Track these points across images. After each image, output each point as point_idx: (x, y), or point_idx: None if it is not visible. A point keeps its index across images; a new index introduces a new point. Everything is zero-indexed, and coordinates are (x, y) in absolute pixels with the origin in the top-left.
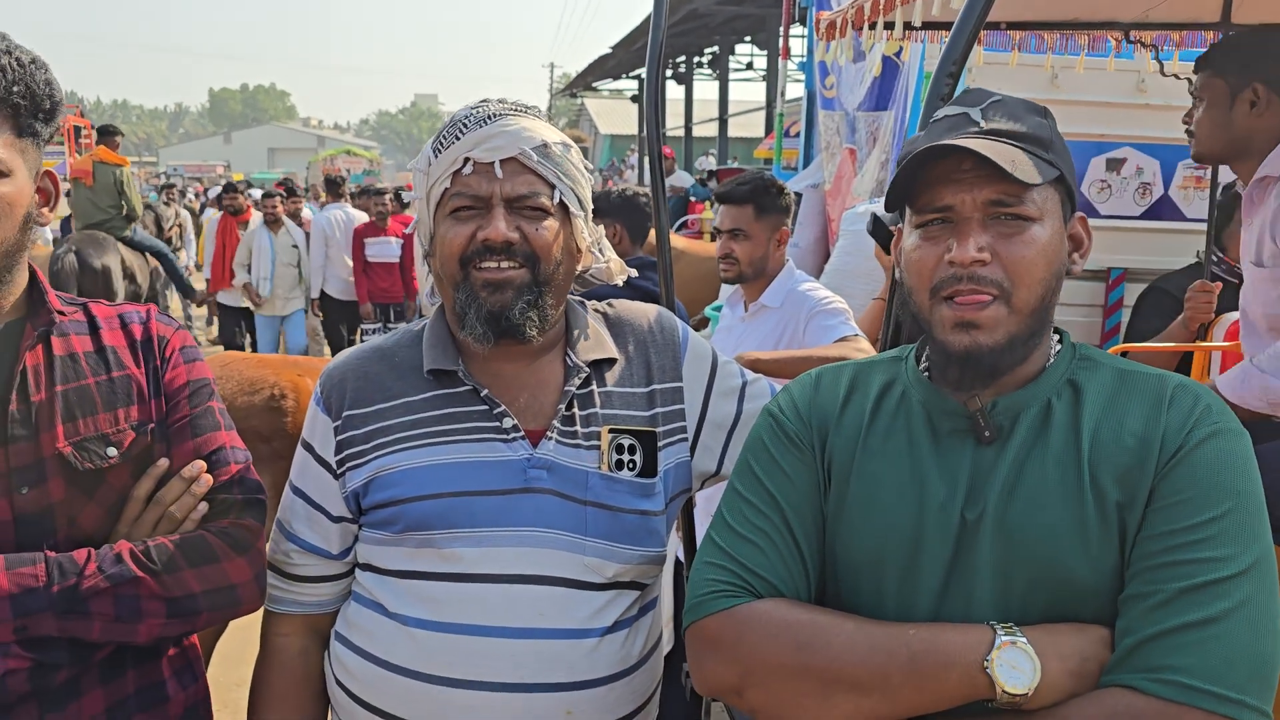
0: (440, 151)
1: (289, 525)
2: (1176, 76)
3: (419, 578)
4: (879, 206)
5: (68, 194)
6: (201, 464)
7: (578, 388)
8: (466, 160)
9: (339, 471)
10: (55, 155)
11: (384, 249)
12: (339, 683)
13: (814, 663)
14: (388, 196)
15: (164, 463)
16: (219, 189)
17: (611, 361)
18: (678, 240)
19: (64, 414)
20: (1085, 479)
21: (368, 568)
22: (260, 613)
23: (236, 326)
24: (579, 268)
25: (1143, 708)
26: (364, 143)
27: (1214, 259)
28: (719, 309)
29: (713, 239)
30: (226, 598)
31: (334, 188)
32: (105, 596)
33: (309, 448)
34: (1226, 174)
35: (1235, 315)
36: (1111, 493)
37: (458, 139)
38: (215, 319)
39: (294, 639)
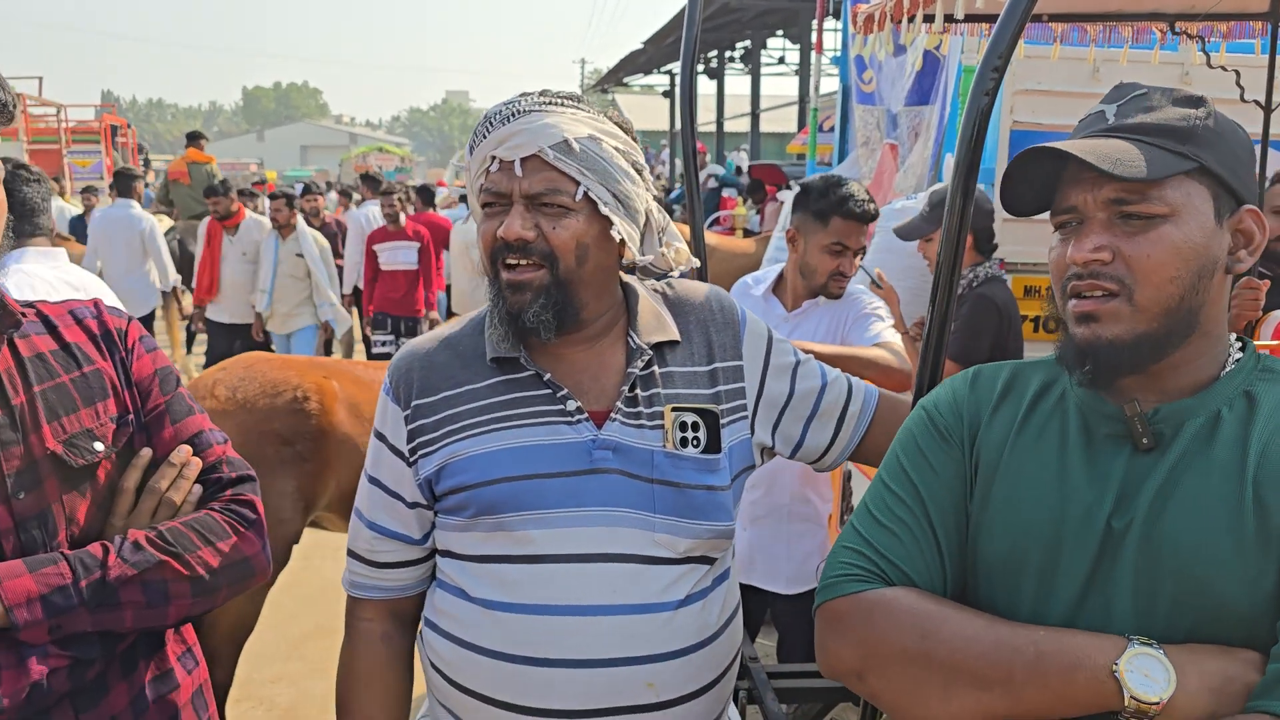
0: (474, 148)
1: (368, 514)
2: (1224, 69)
3: (495, 561)
4: (917, 203)
5: (166, 193)
6: (188, 449)
7: (640, 369)
8: (493, 158)
9: (411, 460)
10: (91, 155)
11: (396, 255)
12: (432, 665)
13: (937, 652)
14: (396, 195)
15: (147, 453)
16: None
17: (674, 343)
18: (708, 236)
19: (47, 414)
20: (1248, 495)
21: (447, 554)
22: (290, 612)
23: (231, 344)
24: (625, 260)
25: None
26: (396, 140)
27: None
28: None
29: (745, 235)
30: (243, 570)
31: (374, 184)
32: (134, 584)
33: (382, 438)
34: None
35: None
36: (1277, 513)
37: (486, 136)
38: (194, 334)
39: (377, 624)
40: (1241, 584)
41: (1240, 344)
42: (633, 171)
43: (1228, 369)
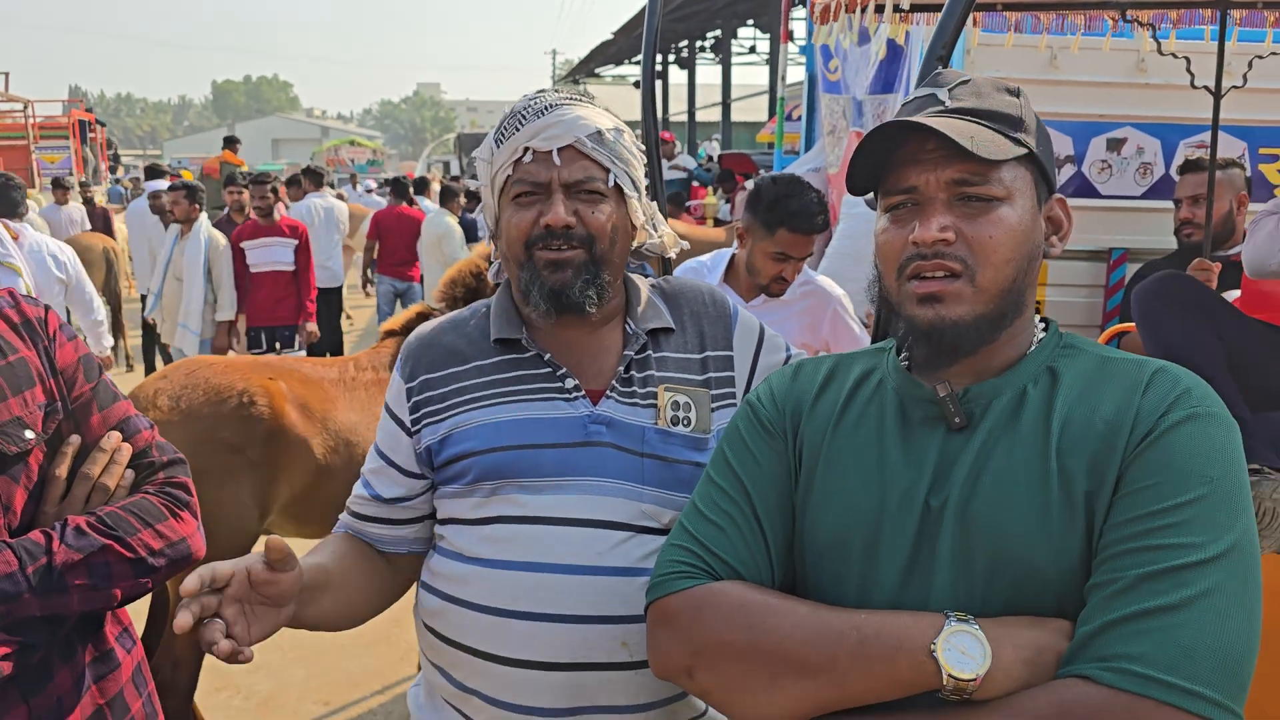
0: (502, 141)
1: (368, 478)
2: (1174, 55)
3: (491, 522)
4: None
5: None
6: (118, 434)
7: (636, 353)
8: (527, 149)
9: (413, 429)
10: (59, 150)
11: (268, 254)
12: (425, 625)
13: (763, 644)
14: (270, 186)
15: (76, 439)
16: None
17: (669, 331)
18: (679, 226)
19: None
20: (1052, 466)
21: (448, 521)
22: None
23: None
24: (634, 244)
25: (1093, 697)
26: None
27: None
28: None
29: (716, 224)
30: (181, 549)
31: (316, 178)
32: (79, 568)
33: (389, 410)
34: (1224, 152)
35: (1236, 293)
36: (1080, 481)
37: (518, 129)
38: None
39: (358, 544)
40: (1050, 552)
41: (1044, 323)
42: (644, 161)
43: (1033, 348)
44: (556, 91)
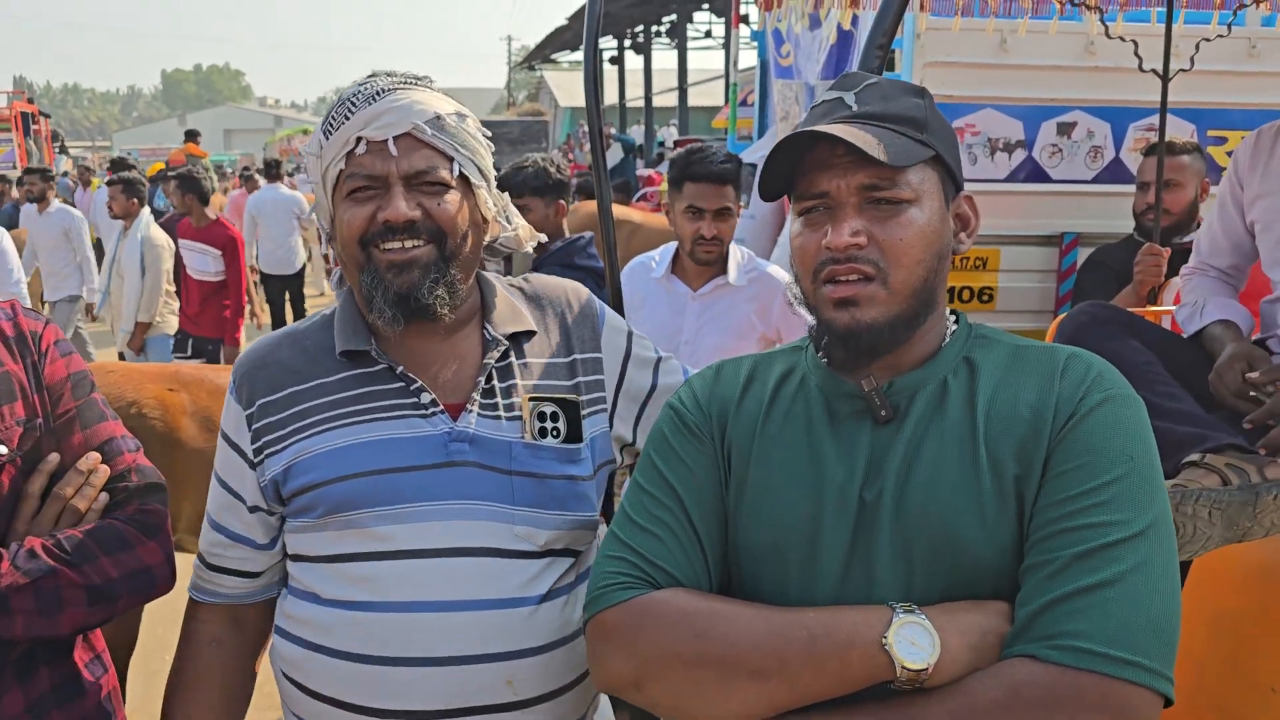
0: (331, 132)
1: (215, 516)
2: (1122, 39)
3: (348, 560)
4: None
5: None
6: (96, 456)
7: (496, 360)
8: (359, 139)
9: (256, 460)
10: (3, 143)
11: (193, 260)
12: (285, 675)
13: (712, 650)
14: (175, 183)
15: (55, 458)
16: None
17: (530, 334)
18: (633, 213)
19: None
20: (981, 454)
21: (297, 558)
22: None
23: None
24: (487, 238)
25: (1040, 675)
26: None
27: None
28: None
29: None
30: (143, 580)
31: (271, 170)
32: (25, 592)
33: (226, 438)
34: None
35: None
36: (1009, 466)
37: (348, 118)
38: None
39: (209, 627)
40: (985, 538)
41: (954, 316)
42: (490, 149)
43: (947, 340)
44: (389, 75)
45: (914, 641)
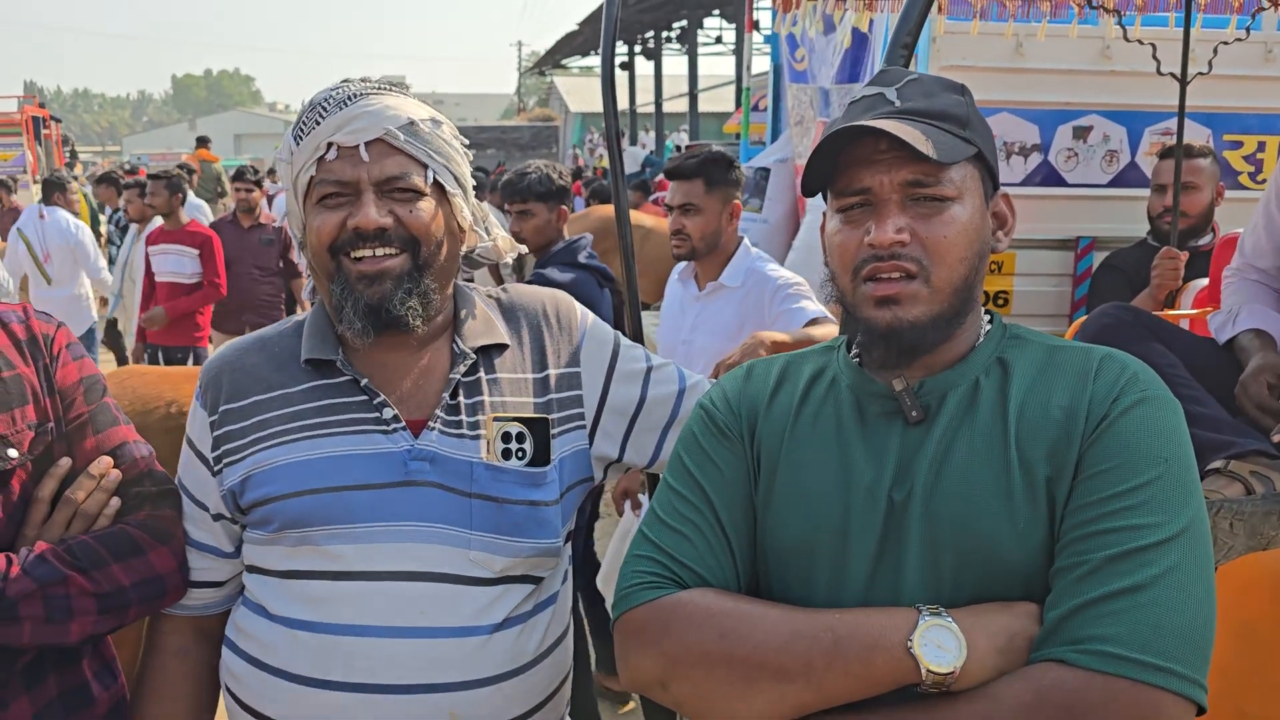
0: (302, 137)
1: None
2: (1140, 42)
3: (299, 577)
4: None
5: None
6: (108, 460)
7: (464, 375)
8: (330, 145)
9: (216, 469)
10: (13, 147)
11: (168, 262)
12: (228, 689)
13: (737, 651)
14: (164, 183)
15: (66, 462)
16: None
17: (502, 347)
18: (645, 218)
19: None
20: (1013, 455)
21: (253, 569)
22: None
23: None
24: (464, 248)
25: (1069, 680)
26: None
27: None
28: None
29: None
30: (155, 588)
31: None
32: (34, 599)
33: (190, 443)
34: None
35: (1203, 282)
36: (1040, 468)
37: (318, 123)
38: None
39: (174, 638)
40: (1016, 540)
41: (989, 316)
42: (466, 156)
43: (980, 340)
44: (362, 80)
45: (940, 644)
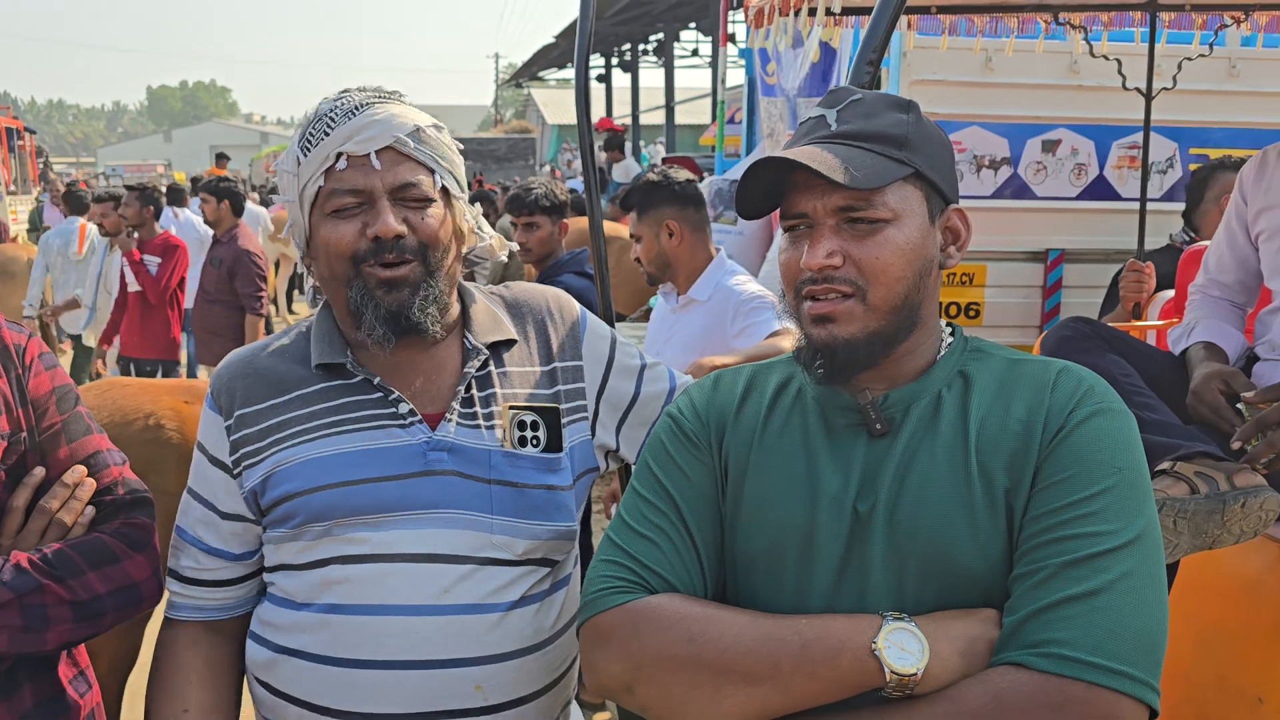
0: (310, 149)
1: (190, 529)
2: (1106, 58)
3: (322, 565)
4: None
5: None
6: (82, 469)
7: (476, 370)
8: (340, 155)
9: (235, 472)
10: None
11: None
12: (258, 680)
13: (705, 654)
14: (137, 194)
15: (40, 471)
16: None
17: (510, 343)
18: (624, 230)
19: None
20: (973, 466)
21: (276, 568)
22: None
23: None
24: (464, 249)
25: (1026, 683)
26: None
27: (1188, 238)
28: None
29: None
30: (130, 596)
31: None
32: (11, 608)
33: (203, 449)
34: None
35: (1170, 294)
36: (1000, 479)
37: (327, 133)
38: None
39: (186, 632)
40: (977, 550)
41: (950, 329)
42: (463, 160)
43: (942, 353)
44: (362, 90)
45: (903, 647)
